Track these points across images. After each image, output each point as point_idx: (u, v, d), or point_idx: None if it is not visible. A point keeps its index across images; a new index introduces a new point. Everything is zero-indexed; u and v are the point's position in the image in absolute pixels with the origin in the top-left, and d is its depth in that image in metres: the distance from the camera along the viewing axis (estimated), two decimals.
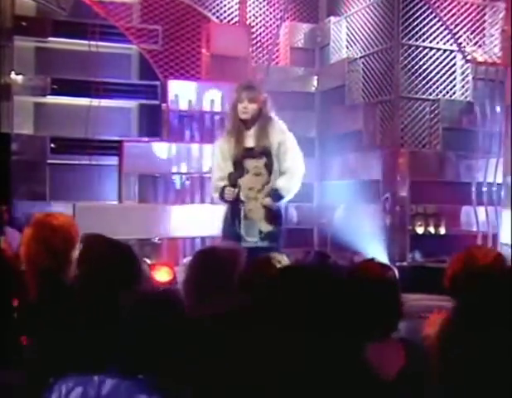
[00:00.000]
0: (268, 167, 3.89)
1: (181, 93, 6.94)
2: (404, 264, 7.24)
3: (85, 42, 7.95)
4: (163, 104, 7.14)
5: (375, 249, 7.16)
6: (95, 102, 7.94)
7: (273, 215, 3.87)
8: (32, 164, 7.96)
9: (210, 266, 2.52)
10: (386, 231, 7.45)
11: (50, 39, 8.10)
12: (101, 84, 8.01)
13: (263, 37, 8.19)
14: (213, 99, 7.06)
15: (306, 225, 8.76)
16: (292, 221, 8.53)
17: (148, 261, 6.44)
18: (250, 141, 3.80)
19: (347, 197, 7.98)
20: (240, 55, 7.24)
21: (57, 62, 8.16)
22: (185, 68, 7.34)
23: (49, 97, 8.11)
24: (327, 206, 8.51)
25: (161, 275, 6.26)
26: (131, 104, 8.37)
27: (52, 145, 8.12)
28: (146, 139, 7.51)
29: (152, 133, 7.80)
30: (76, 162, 7.92)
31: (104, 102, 8.14)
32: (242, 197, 3.82)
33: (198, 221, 6.69)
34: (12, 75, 7.83)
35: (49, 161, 8.07)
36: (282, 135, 3.93)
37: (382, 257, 7.00)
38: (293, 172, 3.84)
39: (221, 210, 4.72)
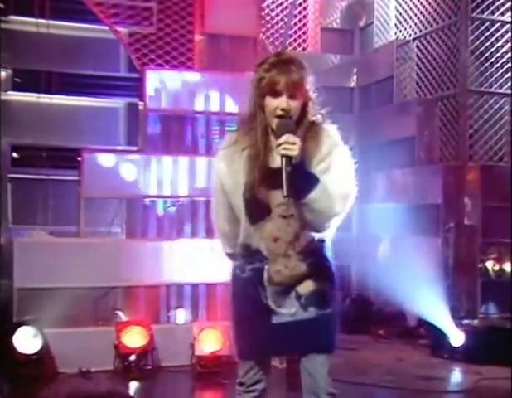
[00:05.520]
0: None
1: (165, 87, 6.31)
2: (475, 323, 6.40)
3: (59, 23, 7.12)
4: (140, 103, 6.51)
5: (433, 297, 6.49)
6: (72, 100, 7.30)
7: (321, 268, 2.79)
8: None
9: None
10: (448, 273, 6.83)
11: (12, 18, 7.20)
12: (79, 78, 7.32)
13: (279, 11, 7.68)
14: (208, 94, 6.30)
15: (343, 260, 7.98)
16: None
17: (121, 316, 5.83)
18: (278, 158, 2.62)
19: (395, 226, 7.48)
20: (246, 35, 6.54)
21: (22, 49, 7.30)
22: (172, 53, 6.46)
23: (10, 93, 7.32)
24: (369, 237, 8.08)
25: (133, 339, 5.53)
26: (118, 103, 7.66)
27: (14, 155, 7.44)
28: (112, 149, 6.63)
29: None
30: (46, 176, 7.05)
31: (84, 100, 7.47)
32: (264, 251, 2.76)
33: (188, 262, 5.95)
34: None
35: (10, 175, 7.37)
36: (330, 148, 2.76)
37: (442, 311, 6.34)
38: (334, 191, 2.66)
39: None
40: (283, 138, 2.53)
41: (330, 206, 2.59)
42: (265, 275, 2.75)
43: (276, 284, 2.76)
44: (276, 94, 2.64)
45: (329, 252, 2.84)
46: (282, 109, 2.63)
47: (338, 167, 2.70)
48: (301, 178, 2.56)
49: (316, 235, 2.76)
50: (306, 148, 2.63)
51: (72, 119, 7.19)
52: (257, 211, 2.73)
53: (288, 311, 2.76)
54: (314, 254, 2.76)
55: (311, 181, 2.56)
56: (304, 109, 2.70)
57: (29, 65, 7.20)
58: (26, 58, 7.20)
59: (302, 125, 2.69)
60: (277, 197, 2.62)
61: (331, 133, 2.75)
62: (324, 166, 2.68)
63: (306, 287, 2.76)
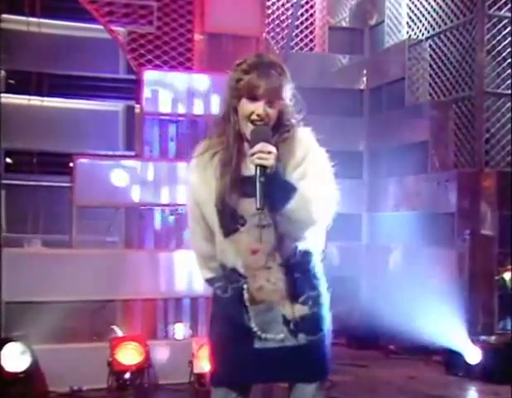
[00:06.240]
0: None
1: (162, 89, 6.19)
2: (492, 339, 6.26)
3: (56, 22, 7.16)
4: (136, 105, 6.30)
5: (447, 312, 6.39)
6: (69, 103, 7.31)
7: (309, 287, 2.68)
8: None
9: None
10: (463, 286, 6.70)
11: (6, 17, 7.06)
12: (76, 80, 7.31)
13: (284, 9, 7.61)
14: (209, 96, 6.16)
15: (352, 271, 8.14)
16: (332, 266, 7.83)
17: (117, 331, 5.78)
18: (252, 166, 2.53)
19: (407, 236, 7.39)
20: (249, 35, 6.46)
21: (16, 49, 7.21)
22: (170, 53, 6.31)
23: (4, 95, 7.10)
24: (380, 247, 7.96)
25: (128, 355, 5.41)
26: (117, 106, 7.67)
27: (8, 160, 7.42)
28: (107, 154, 6.62)
29: None
30: (42, 183, 7.08)
31: (82, 103, 7.47)
32: (240, 269, 2.64)
33: (187, 274, 5.88)
34: None
35: (3, 181, 7.27)
36: (305, 152, 2.67)
37: (457, 326, 6.25)
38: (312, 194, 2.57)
39: None
40: (258, 147, 2.42)
41: (309, 214, 2.48)
42: (245, 295, 2.61)
43: (259, 303, 2.62)
44: (253, 98, 2.53)
45: (318, 268, 2.69)
46: (257, 115, 2.52)
47: (315, 172, 2.59)
48: (278, 188, 2.46)
49: (300, 246, 2.62)
50: (279, 154, 2.52)
51: (69, 123, 7.16)
52: (230, 221, 2.59)
53: (275, 337, 2.62)
54: (299, 269, 2.64)
55: (287, 190, 2.45)
56: (280, 117, 2.59)
57: (23, 66, 7.10)
58: (20, 59, 7.11)
59: (276, 132, 2.57)
60: (253, 206, 2.49)
61: (305, 135, 2.65)
62: (300, 171, 2.57)
63: (296, 311, 2.62)
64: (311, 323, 2.64)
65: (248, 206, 2.51)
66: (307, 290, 2.63)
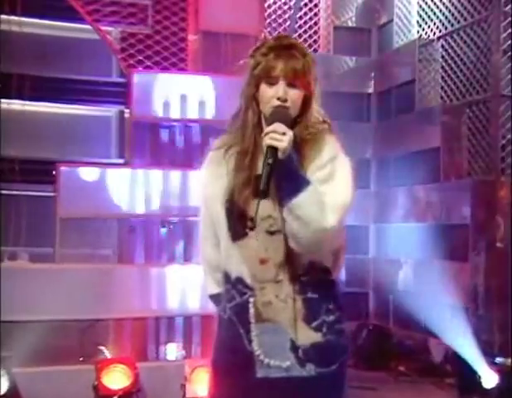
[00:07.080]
0: None
1: (154, 92, 6.15)
2: (509, 361, 6.08)
3: (43, 22, 7.09)
4: (125, 110, 6.42)
5: (461, 330, 6.33)
6: (61, 108, 7.30)
7: (325, 311, 2.52)
8: None
9: None
10: (478, 303, 6.63)
11: None
12: (67, 84, 7.26)
13: (287, 8, 7.62)
14: (203, 100, 6.16)
15: (359, 286, 8.16)
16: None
17: (105, 353, 5.71)
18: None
19: (418, 249, 7.32)
20: (248, 33, 6.39)
21: (3, 51, 7.15)
22: (162, 54, 6.29)
23: None
24: (388, 261, 7.90)
25: (116, 379, 5.30)
26: (109, 111, 7.67)
27: None
28: (93, 162, 6.54)
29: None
30: (33, 192, 7.04)
31: (73, 108, 7.46)
32: (247, 279, 2.51)
33: (180, 291, 5.89)
34: None
35: None
36: (332, 155, 2.57)
37: (472, 346, 6.14)
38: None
39: None
40: (271, 127, 2.32)
41: (320, 215, 2.33)
42: (251, 311, 2.45)
43: (265, 321, 2.45)
44: (272, 81, 2.44)
45: (337, 290, 2.53)
46: (278, 99, 2.41)
47: (340, 179, 2.46)
48: (287, 178, 2.32)
49: (317, 259, 2.44)
50: (305, 150, 2.45)
51: (60, 129, 7.14)
52: (239, 223, 2.47)
53: (280, 364, 2.44)
54: (314, 287, 2.46)
55: (299, 182, 2.33)
56: (306, 104, 2.47)
57: (10, 69, 6.95)
58: (6, 61, 6.94)
59: (302, 122, 2.48)
60: (265, 208, 2.38)
61: (332, 139, 2.53)
62: (323, 174, 2.44)
63: (306, 337, 2.45)
64: (324, 353, 2.47)
65: (261, 208, 2.39)
66: (322, 314, 2.47)
